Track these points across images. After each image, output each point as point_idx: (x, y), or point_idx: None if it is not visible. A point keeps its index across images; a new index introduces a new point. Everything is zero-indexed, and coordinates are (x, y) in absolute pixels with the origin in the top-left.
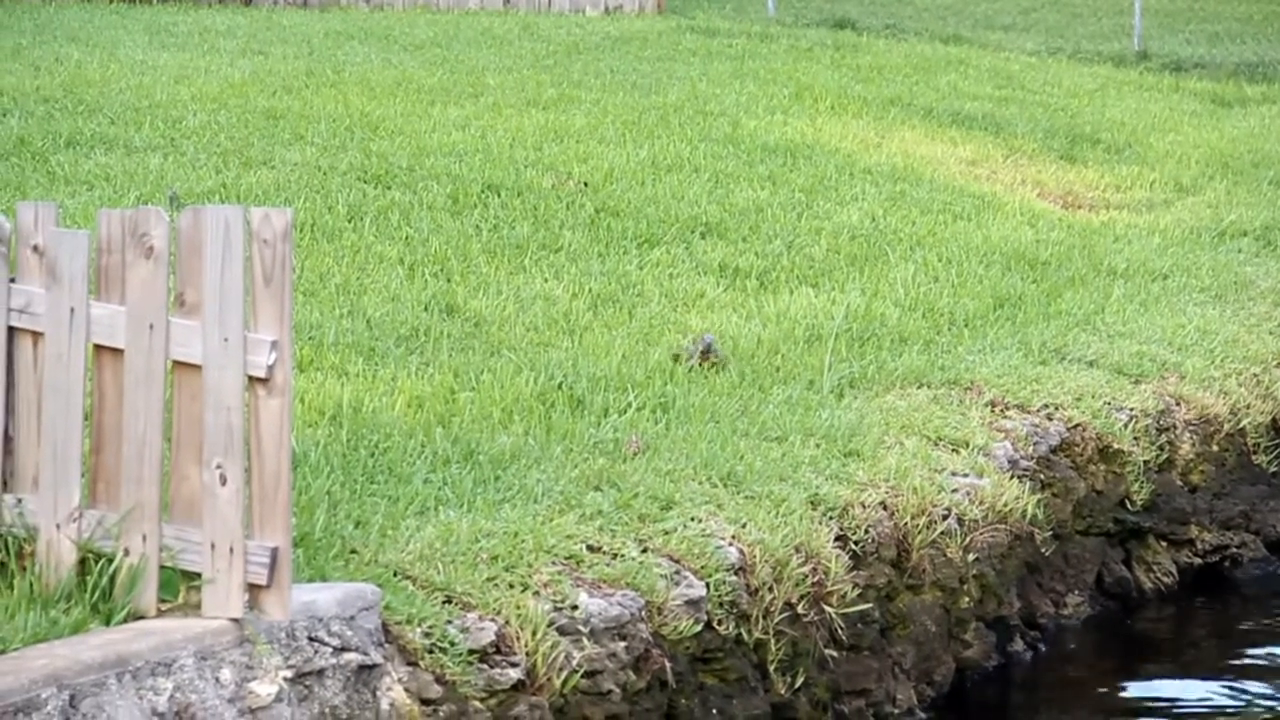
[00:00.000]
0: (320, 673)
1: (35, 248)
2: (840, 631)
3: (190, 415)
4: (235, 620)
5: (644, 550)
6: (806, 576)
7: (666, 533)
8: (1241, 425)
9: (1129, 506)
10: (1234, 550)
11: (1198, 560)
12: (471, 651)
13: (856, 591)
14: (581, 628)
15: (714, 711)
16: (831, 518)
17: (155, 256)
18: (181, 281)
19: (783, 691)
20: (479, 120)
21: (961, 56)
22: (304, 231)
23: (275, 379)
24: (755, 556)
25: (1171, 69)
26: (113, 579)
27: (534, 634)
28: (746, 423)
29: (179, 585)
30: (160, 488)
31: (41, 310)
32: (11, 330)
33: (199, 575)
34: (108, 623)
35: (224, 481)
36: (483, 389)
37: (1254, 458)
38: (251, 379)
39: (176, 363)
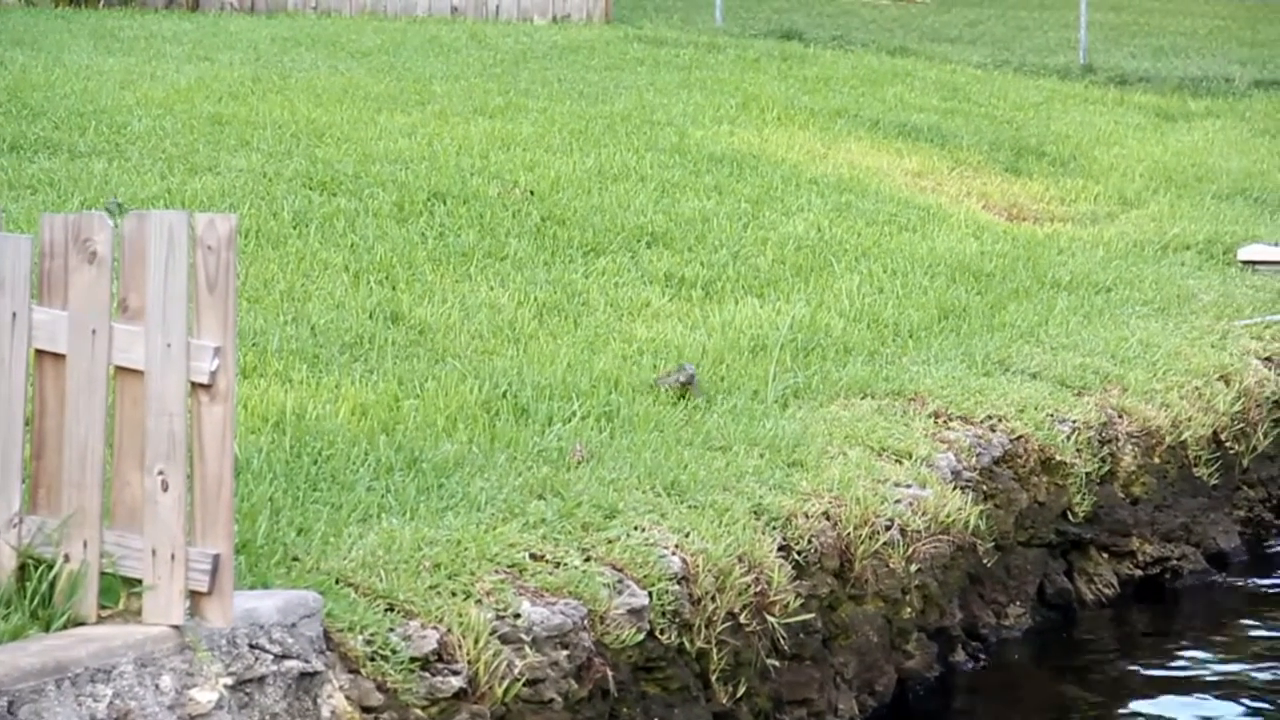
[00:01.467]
0: (261, 680)
1: None
2: (782, 641)
3: (132, 421)
4: (176, 627)
5: (587, 559)
6: (749, 586)
7: (610, 541)
8: (1183, 438)
9: (1071, 518)
10: (1174, 562)
11: (1139, 572)
12: (413, 659)
13: (799, 601)
14: (524, 636)
15: None
16: (775, 528)
17: (98, 261)
18: (125, 287)
19: (725, 701)
20: (425, 128)
21: (908, 68)
22: (249, 238)
23: (218, 385)
24: (698, 566)
25: (1116, 83)
26: (53, 585)
27: (476, 642)
28: (691, 432)
29: (120, 591)
30: (101, 494)
31: None
32: None
33: (140, 581)
34: (47, 629)
35: (166, 488)
36: (427, 397)
37: (1195, 470)
38: (194, 385)
39: (119, 368)
